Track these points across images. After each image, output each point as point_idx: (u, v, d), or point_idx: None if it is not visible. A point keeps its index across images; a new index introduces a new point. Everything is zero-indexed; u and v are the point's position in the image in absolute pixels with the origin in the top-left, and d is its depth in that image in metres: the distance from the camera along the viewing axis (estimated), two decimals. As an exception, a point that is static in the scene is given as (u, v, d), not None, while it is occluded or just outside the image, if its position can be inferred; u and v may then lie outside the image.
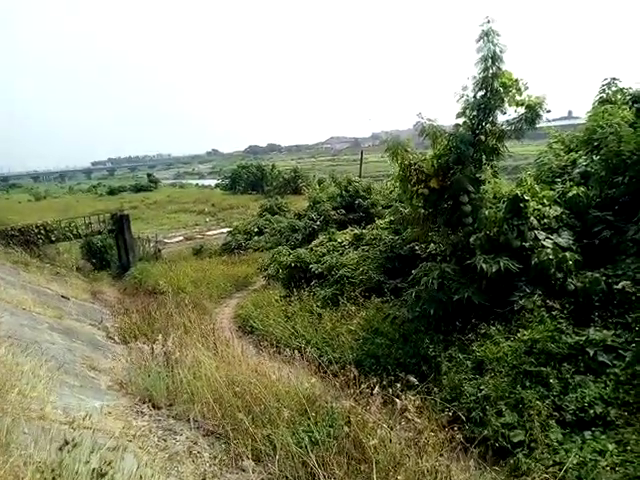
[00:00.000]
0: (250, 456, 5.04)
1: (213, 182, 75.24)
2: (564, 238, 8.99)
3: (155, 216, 43.43)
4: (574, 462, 5.01)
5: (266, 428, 5.22)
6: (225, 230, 29.46)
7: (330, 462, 4.31)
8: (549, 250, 8.55)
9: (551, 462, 5.23)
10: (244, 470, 4.89)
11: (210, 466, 4.96)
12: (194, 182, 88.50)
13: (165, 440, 5.48)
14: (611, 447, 5.32)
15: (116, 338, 10.02)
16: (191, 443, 5.40)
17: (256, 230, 25.34)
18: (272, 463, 4.71)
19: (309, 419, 5.15)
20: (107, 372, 7.67)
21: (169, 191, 67.80)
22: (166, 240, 29.57)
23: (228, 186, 60.55)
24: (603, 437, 5.58)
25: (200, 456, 5.14)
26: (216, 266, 20.25)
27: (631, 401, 5.85)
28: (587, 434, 5.71)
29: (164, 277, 17.80)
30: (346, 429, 4.74)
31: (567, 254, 8.50)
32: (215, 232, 32.34)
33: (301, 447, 4.65)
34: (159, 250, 24.85)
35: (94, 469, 2.71)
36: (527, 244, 8.85)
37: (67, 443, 2.75)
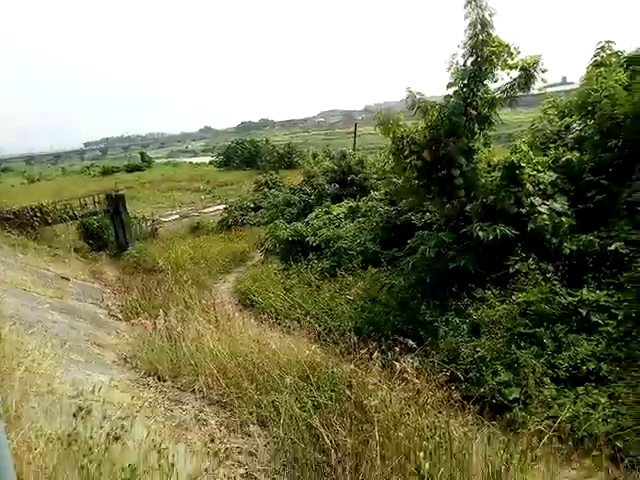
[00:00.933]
0: (255, 422, 5.19)
1: (207, 159, 74.50)
2: (559, 203, 9.07)
3: (150, 195, 43.11)
4: (568, 415, 5.23)
5: (270, 395, 5.35)
6: (221, 207, 29.36)
7: (333, 423, 4.45)
8: (545, 216, 8.65)
9: (545, 416, 5.45)
10: (250, 435, 5.05)
11: (217, 432, 5.09)
12: (188, 160, 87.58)
13: (172, 410, 5.63)
14: (603, 400, 5.54)
15: (119, 315, 10.14)
16: (197, 412, 5.55)
17: (252, 206, 25.35)
18: (277, 427, 4.84)
19: (311, 384, 5.28)
20: (111, 348, 7.79)
21: (163, 170, 67.06)
22: (162, 219, 29.43)
23: (222, 163, 59.99)
24: (595, 391, 5.80)
25: (207, 423, 5.28)
26: (213, 243, 20.31)
27: (623, 357, 6.05)
28: (580, 389, 5.93)
29: (162, 255, 17.86)
30: (348, 392, 4.87)
31: (563, 219, 8.61)
32: (211, 209, 32.24)
33: (305, 411, 4.78)
34: (156, 229, 24.80)
35: (108, 433, 2.81)
36: (523, 210, 8.93)
37: (81, 409, 2.85)
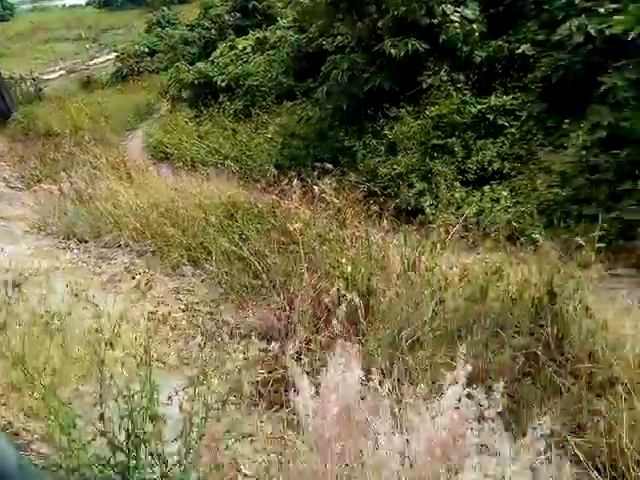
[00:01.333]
0: (187, 263, 5.27)
1: (82, 0, 63.01)
2: (471, 9, 8.81)
3: (23, 49, 36.55)
4: (474, 211, 5.81)
5: (198, 238, 5.37)
6: (112, 56, 25.77)
7: (262, 251, 4.60)
8: (457, 24, 8.42)
9: (455, 214, 6.02)
10: (184, 275, 5.16)
11: (150, 278, 5.12)
12: (58, 3, 73.31)
13: (100, 267, 5.57)
14: (505, 194, 6.19)
15: (18, 185, 9.33)
16: (127, 264, 5.53)
17: (147, 50, 22.50)
18: (210, 264, 4.94)
19: (237, 221, 5.32)
20: (19, 218, 7.33)
21: (30, 17, 55.80)
22: (45, 77, 25.57)
23: (102, 3, 50.97)
24: (499, 188, 6.44)
25: (138, 273, 5.28)
26: (112, 97, 18.42)
27: (524, 154, 6.60)
28: (486, 188, 6.54)
29: (55, 118, 15.99)
30: (272, 221, 4.98)
31: (474, 26, 8.45)
32: (100, 60, 28.30)
33: (234, 245, 4.87)
34: (40, 89, 21.69)
35: (6, 281, 2.66)
36: (435, 21, 8.62)
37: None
